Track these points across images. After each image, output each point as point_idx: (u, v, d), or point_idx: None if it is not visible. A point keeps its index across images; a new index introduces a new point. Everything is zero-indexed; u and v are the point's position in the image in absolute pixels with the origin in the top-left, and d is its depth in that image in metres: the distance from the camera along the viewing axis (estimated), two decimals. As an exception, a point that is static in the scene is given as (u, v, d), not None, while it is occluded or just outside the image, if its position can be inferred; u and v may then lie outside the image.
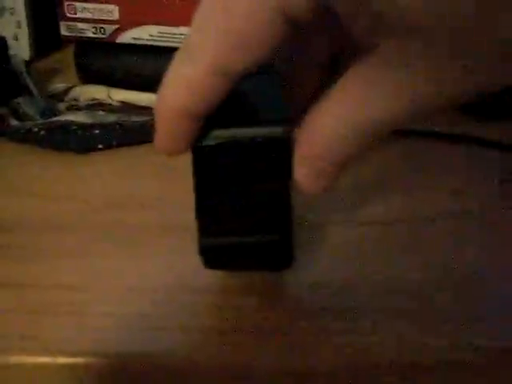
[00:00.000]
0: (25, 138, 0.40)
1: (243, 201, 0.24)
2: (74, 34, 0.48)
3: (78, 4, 0.47)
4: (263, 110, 0.24)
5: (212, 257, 0.26)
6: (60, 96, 0.46)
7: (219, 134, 0.23)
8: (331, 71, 0.25)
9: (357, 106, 0.21)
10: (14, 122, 0.41)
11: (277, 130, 0.23)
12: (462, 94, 0.20)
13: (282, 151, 0.23)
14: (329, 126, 0.22)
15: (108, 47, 0.48)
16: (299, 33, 0.21)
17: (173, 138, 0.22)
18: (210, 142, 0.23)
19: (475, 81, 0.20)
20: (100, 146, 0.39)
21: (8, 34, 0.49)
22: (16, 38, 0.51)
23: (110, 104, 0.45)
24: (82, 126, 0.40)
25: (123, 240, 0.31)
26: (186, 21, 0.43)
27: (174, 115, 0.21)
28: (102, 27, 0.47)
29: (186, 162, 0.37)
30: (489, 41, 0.18)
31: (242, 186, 0.24)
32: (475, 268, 0.29)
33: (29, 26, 0.51)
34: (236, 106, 0.24)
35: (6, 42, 0.45)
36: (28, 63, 0.48)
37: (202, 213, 0.24)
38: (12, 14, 0.51)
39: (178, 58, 0.21)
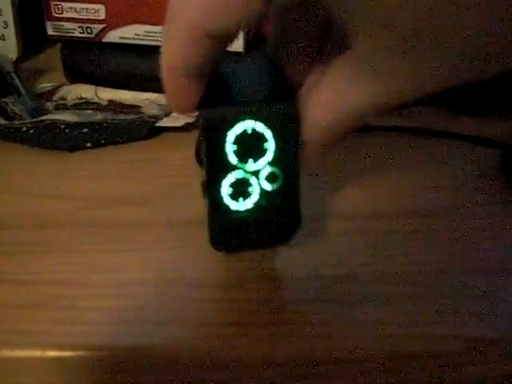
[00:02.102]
0: (13, 136, 0.40)
1: (253, 176, 0.25)
2: (60, 34, 0.48)
3: (64, 4, 0.47)
4: (269, 89, 0.26)
5: (222, 236, 0.26)
6: (48, 95, 0.46)
7: (231, 111, 0.24)
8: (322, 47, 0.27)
9: (339, 98, 0.23)
10: (1, 121, 0.41)
11: (287, 107, 0.24)
12: (435, 88, 0.22)
13: (292, 127, 0.24)
14: (317, 114, 0.24)
15: (95, 47, 0.48)
16: (289, 12, 0.23)
17: (177, 95, 0.24)
18: (222, 117, 0.24)
19: (447, 75, 0.21)
20: (88, 145, 0.39)
21: (-5, 34, 0.50)
22: (3, 38, 0.51)
23: (98, 103, 0.45)
24: (70, 125, 0.41)
25: (114, 236, 0.31)
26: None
27: (170, 73, 0.23)
28: (89, 27, 0.47)
29: (174, 158, 0.38)
30: (457, 39, 0.20)
31: (253, 162, 0.25)
32: (455, 262, 0.30)
33: (16, 25, 0.51)
34: (242, 85, 0.26)
35: (-7, 42, 0.45)
36: (15, 63, 0.49)
37: (212, 189, 0.25)
38: (-1, 14, 0.51)
39: (165, 19, 0.22)
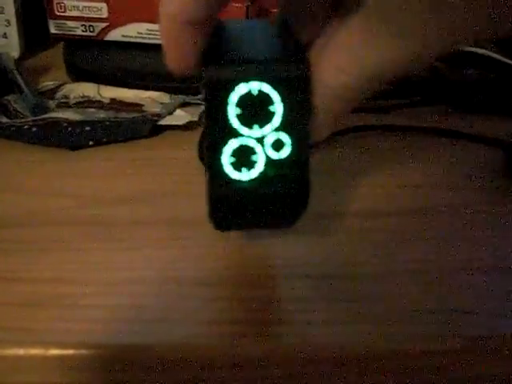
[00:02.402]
0: (15, 134, 0.40)
1: (258, 143, 0.23)
2: (63, 32, 0.48)
3: (67, 2, 0.47)
4: (277, 48, 0.24)
5: (221, 210, 0.24)
6: (50, 93, 0.46)
7: (235, 70, 0.22)
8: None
9: (354, 57, 0.22)
10: (4, 119, 0.41)
11: (297, 67, 0.22)
12: (468, 40, 0.21)
13: (302, 89, 0.22)
14: (330, 76, 0.22)
15: (97, 45, 0.48)
16: None
17: (175, 46, 0.22)
18: (225, 76, 0.22)
19: (484, 25, 0.20)
20: (90, 143, 0.39)
21: (-3, 32, 0.50)
22: (5, 36, 0.51)
23: (100, 101, 0.45)
24: (73, 123, 0.41)
25: (115, 234, 0.31)
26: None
27: (169, 21, 0.22)
28: (91, 25, 0.47)
29: (177, 156, 0.37)
30: None
31: (258, 127, 0.23)
32: (456, 260, 0.29)
33: (18, 23, 0.51)
34: (249, 44, 0.24)
35: (-5, 39, 0.45)
36: (17, 61, 0.49)
37: (212, 157, 0.23)
38: (1, 12, 0.51)
39: None
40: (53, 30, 0.48)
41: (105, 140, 0.40)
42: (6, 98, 0.43)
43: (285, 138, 0.23)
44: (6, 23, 0.51)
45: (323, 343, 0.25)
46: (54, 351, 0.25)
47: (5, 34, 0.51)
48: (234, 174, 0.23)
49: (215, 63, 0.22)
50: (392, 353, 0.25)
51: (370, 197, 0.34)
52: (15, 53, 0.51)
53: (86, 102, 0.45)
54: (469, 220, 0.32)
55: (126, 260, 0.30)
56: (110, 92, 0.46)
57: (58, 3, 0.47)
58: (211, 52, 0.23)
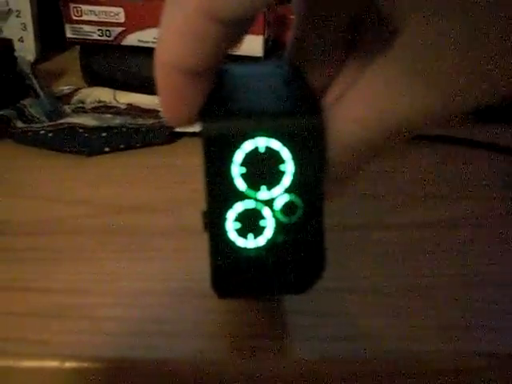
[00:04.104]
0: (31, 139, 0.39)
1: (266, 206, 0.20)
2: (79, 37, 0.48)
3: (84, 7, 0.47)
4: (287, 98, 0.21)
5: (226, 280, 0.21)
6: (66, 98, 0.46)
7: (239, 124, 0.19)
8: (348, 50, 0.22)
9: (379, 107, 0.19)
10: (19, 124, 0.41)
11: (310, 120, 0.19)
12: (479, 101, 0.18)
13: (315, 144, 0.19)
14: (348, 128, 0.19)
15: (113, 50, 0.47)
16: (314, 10, 0.20)
17: (173, 99, 0.19)
18: (227, 132, 0.19)
19: None
20: (107, 149, 0.39)
21: (14, 36, 0.49)
22: (22, 40, 0.51)
23: (117, 107, 0.44)
24: (89, 129, 0.40)
25: (131, 244, 0.31)
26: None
27: (166, 70, 0.19)
28: (108, 30, 0.47)
29: (195, 163, 0.37)
30: None
31: (266, 189, 0.20)
32: (482, 274, 0.29)
33: (34, 28, 0.51)
34: (254, 93, 0.21)
35: (12, 43, 0.45)
36: (33, 65, 0.48)
37: (214, 222, 0.20)
38: (18, 16, 0.51)
39: (167, 7, 0.18)
40: (69, 35, 0.48)
41: (121, 146, 0.39)
42: (21, 102, 0.43)
43: (296, 200, 0.20)
44: (22, 27, 0.51)
45: (334, 358, 0.24)
46: (69, 364, 0.24)
47: (21, 37, 0.51)
48: (239, 241, 0.21)
49: (215, 116, 0.19)
50: (407, 370, 0.24)
51: (379, 208, 0.34)
52: (31, 57, 0.51)
53: (102, 108, 0.44)
54: (490, 232, 0.32)
55: (142, 270, 0.29)
56: (126, 97, 0.46)
57: (75, 7, 0.47)
58: (210, 102, 0.20)
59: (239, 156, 0.19)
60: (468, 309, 0.27)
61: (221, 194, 0.20)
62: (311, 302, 0.27)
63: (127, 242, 0.31)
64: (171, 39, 0.18)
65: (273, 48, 0.48)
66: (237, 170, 0.20)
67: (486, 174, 0.37)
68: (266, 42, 0.45)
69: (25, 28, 0.51)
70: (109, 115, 0.43)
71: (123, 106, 0.44)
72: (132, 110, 0.44)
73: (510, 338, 0.25)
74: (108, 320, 0.26)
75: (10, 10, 0.51)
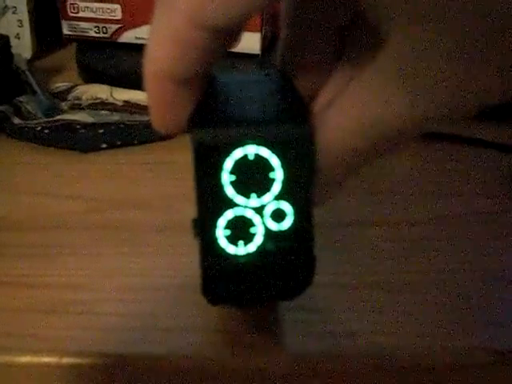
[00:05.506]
0: (28, 136, 0.39)
1: (256, 213, 0.20)
2: (76, 33, 0.48)
3: (80, 3, 0.46)
4: (276, 106, 0.21)
5: (216, 287, 0.21)
6: (62, 95, 0.46)
7: (229, 132, 0.19)
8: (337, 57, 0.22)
9: (368, 114, 0.19)
10: (16, 121, 0.41)
11: (299, 128, 0.19)
12: (503, 96, 0.18)
13: (305, 152, 0.20)
14: (338, 137, 0.20)
15: (110, 46, 0.47)
16: (302, 20, 0.20)
17: (162, 107, 0.19)
18: (217, 140, 0.19)
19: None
20: (104, 146, 0.39)
21: (10, 32, 0.49)
22: (18, 37, 0.51)
23: (113, 103, 0.44)
24: (86, 125, 0.40)
25: (128, 239, 0.31)
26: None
27: (155, 78, 0.18)
28: (105, 26, 0.47)
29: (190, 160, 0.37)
30: None
31: (256, 196, 0.20)
32: (483, 270, 0.29)
33: (31, 24, 0.51)
34: (243, 102, 0.21)
35: (8, 40, 0.44)
36: (30, 62, 0.48)
37: (204, 230, 0.21)
38: (14, 12, 0.50)
39: (155, 15, 0.18)
40: (65, 31, 0.48)
41: (118, 143, 0.39)
42: (18, 98, 0.43)
43: (286, 207, 0.20)
44: (18, 24, 0.51)
45: (332, 354, 0.25)
46: (67, 359, 0.24)
47: (17, 34, 0.51)
48: (229, 249, 0.21)
49: (205, 124, 0.19)
50: (417, 366, 0.24)
51: (390, 205, 0.34)
52: (27, 53, 0.51)
53: (98, 104, 0.44)
54: (493, 228, 0.32)
55: (139, 266, 0.29)
56: (123, 94, 0.45)
57: (72, 4, 0.47)
58: (200, 110, 0.20)
59: (229, 164, 0.19)
60: (470, 305, 0.27)
61: (211, 202, 0.20)
62: (308, 298, 0.27)
63: (124, 238, 0.31)
64: (160, 47, 0.18)
65: (272, 44, 0.47)
66: (227, 177, 0.20)
67: (482, 170, 0.37)
68: (263, 39, 0.45)
69: (21, 25, 0.51)
70: (106, 112, 0.43)
71: (120, 103, 0.44)
72: (129, 106, 0.44)
73: None
74: (105, 315, 0.26)
75: (6, 6, 0.50)
